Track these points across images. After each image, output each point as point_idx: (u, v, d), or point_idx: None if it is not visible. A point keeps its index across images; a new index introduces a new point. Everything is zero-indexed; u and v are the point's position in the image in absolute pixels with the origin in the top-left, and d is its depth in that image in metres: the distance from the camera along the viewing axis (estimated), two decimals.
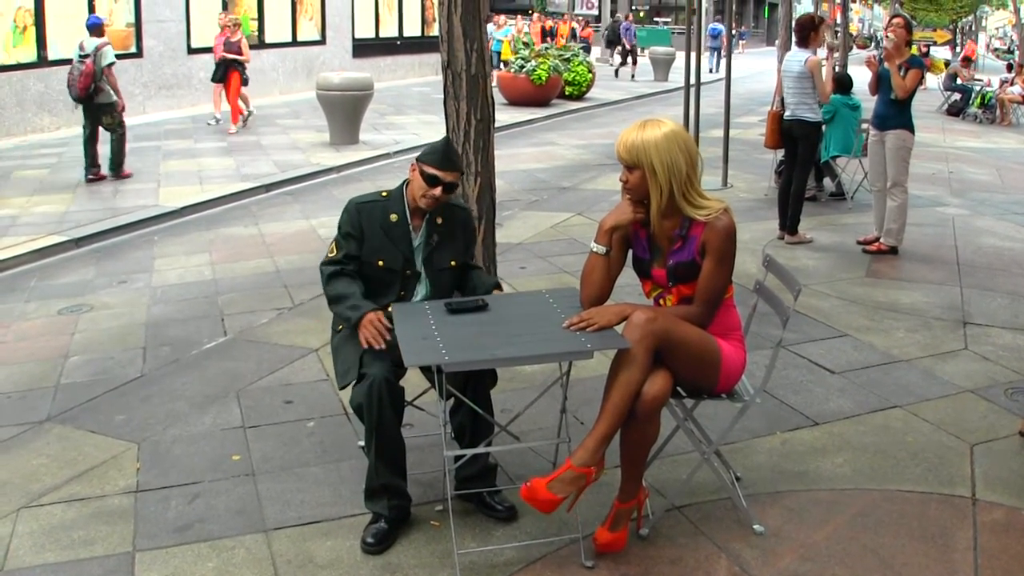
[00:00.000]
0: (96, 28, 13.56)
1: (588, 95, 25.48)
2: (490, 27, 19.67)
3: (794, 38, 10.23)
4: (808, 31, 9.78)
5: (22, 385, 6.43)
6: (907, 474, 4.97)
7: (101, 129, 13.31)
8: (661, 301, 4.29)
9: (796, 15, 14.94)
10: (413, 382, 4.43)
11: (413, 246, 4.63)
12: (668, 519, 4.47)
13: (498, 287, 4.75)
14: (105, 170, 13.45)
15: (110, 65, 13.15)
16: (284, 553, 4.27)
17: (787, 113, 9.89)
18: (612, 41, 44.26)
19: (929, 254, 9.59)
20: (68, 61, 18.06)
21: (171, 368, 6.63)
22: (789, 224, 9.89)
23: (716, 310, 4.18)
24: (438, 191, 4.50)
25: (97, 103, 13.14)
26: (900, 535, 4.38)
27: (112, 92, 13.21)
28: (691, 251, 4.13)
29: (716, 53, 37.56)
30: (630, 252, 4.40)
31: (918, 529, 4.44)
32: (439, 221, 4.66)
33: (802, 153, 9.89)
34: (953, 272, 8.88)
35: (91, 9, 19.02)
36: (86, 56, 12.99)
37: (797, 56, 9.77)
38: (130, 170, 13.75)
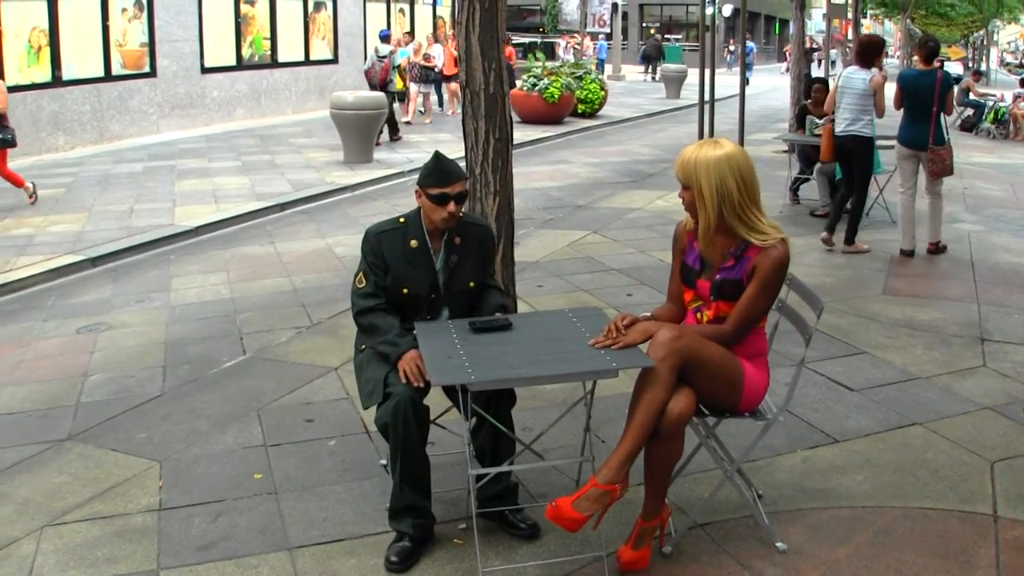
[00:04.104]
0: (387, 38, 20.45)
1: (601, 112, 25.55)
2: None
3: (852, 56, 10.82)
4: (874, 53, 10.20)
5: (42, 404, 6.46)
6: (928, 491, 4.96)
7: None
8: (698, 315, 4.31)
9: (808, 32, 14.99)
10: (434, 401, 4.44)
11: (436, 269, 4.63)
12: (691, 537, 4.47)
13: (504, 308, 4.74)
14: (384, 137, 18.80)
15: (398, 65, 19.89)
16: (308, 571, 4.28)
17: (840, 128, 10.08)
18: (648, 57, 45.06)
19: (945, 270, 9.60)
20: (82, 81, 18.50)
21: (191, 387, 6.65)
22: (847, 235, 10.25)
23: (747, 334, 4.21)
24: (451, 207, 4.49)
25: (388, 91, 18.89)
26: (922, 553, 4.38)
27: (398, 82, 19.82)
28: (741, 271, 4.17)
29: (748, 68, 38.42)
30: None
31: (940, 547, 4.43)
32: (457, 241, 4.65)
33: (858, 167, 10.12)
34: (970, 289, 8.87)
35: (104, 30, 19.22)
36: (383, 57, 19.24)
37: (859, 74, 9.98)
38: (401, 134, 19.76)
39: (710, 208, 4.12)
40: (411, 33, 25.52)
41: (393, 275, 4.56)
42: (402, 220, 4.66)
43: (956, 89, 28.01)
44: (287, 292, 9.08)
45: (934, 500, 4.87)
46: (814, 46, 30.62)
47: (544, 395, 6.09)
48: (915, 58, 10.35)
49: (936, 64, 9.76)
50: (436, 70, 23.34)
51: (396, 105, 20.23)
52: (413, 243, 4.59)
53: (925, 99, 9.67)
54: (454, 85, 23.19)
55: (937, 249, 10.20)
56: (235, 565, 4.36)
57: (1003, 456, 5.37)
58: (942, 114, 9.81)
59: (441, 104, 25.14)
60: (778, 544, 4.39)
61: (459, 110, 23.16)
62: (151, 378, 6.87)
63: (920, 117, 9.76)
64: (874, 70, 10.07)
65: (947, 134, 9.97)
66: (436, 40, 24.90)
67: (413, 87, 22.98)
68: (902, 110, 10.01)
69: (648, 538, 4.21)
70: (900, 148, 10.06)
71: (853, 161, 10.12)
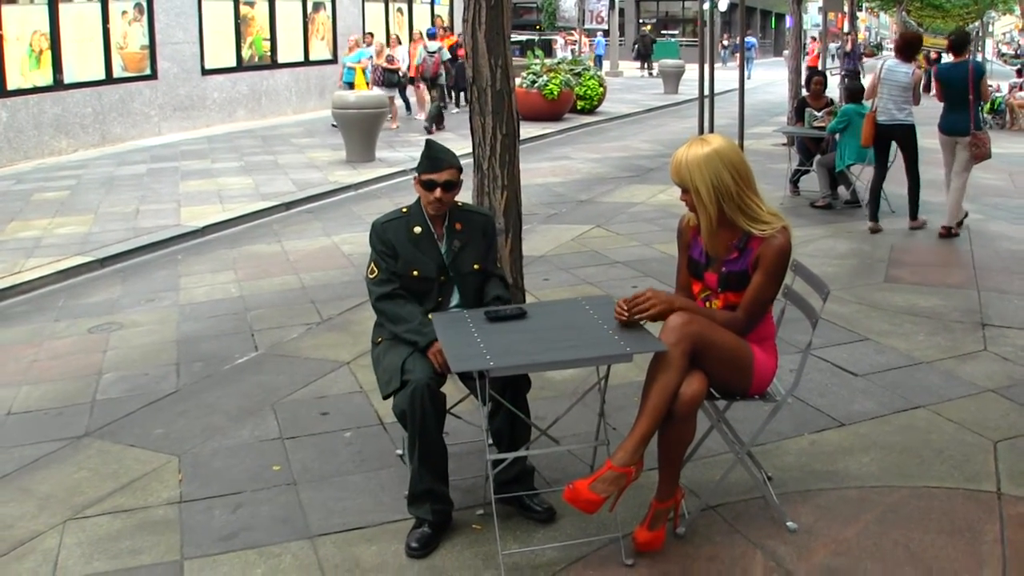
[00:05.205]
0: (434, 35, 22.78)
1: (600, 109, 25.64)
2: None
3: (895, 50, 11.32)
4: (915, 49, 11.15)
5: (58, 402, 6.54)
6: (933, 471, 5.05)
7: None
8: (707, 303, 4.41)
9: (805, 26, 15.13)
10: (448, 390, 4.52)
11: (441, 253, 4.77)
12: (704, 518, 4.56)
13: (499, 300, 4.81)
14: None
15: (445, 60, 21.95)
16: (331, 558, 4.37)
17: (885, 117, 10.66)
18: (642, 55, 45.39)
19: (946, 259, 9.70)
20: (83, 84, 18.61)
21: (205, 383, 6.74)
22: (910, 212, 10.98)
23: (758, 321, 4.31)
24: (438, 193, 4.65)
25: (438, 83, 21.68)
26: (929, 530, 4.46)
27: (444, 75, 21.86)
28: (745, 263, 4.26)
29: (750, 63, 39.13)
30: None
31: (946, 523, 4.52)
32: (458, 227, 4.80)
33: (908, 152, 10.78)
34: (970, 276, 8.97)
35: (105, 33, 19.34)
36: (433, 52, 21.54)
37: (902, 68, 10.68)
38: (444, 126, 21.00)
39: (709, 205, 4.20)
40: (371, 34, 24.94)
41: (402, 259, 4.70)
42: (404, 210, 4.85)
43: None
44: (296, 289, 9.17)
45: (939, 479, 4.96)
46: (860, 48, 30.61)
47: (556, 385, 6.18)
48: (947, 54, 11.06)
49: (922, 58, 10.42)
50: (401, 73, 22.19)
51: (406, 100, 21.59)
52: (417, 229, 4.74)
53: (959, 89, 10.34)
54: (423, 87, 22.45)
55: (949, 233, 10.55)
56: (258, 554, 4.44)
57: (1005, 436, 5.46)
58: (980, 101, 10.47)
59: (408, 108, 24.02)
60: (788, 524, 4.48)
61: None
62: (165, 375, 6.95)
63: (957, 106, 10.42)
64: (913, 65, 10.75)
65: (983, 121, 10.41)
66: (399, 42, 24.04)
67: (376, 91, 20.17)
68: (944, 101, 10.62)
69: (663, 519, 4.30)
70: (941, 136, 10.76)
71: (902, 146, 10.73)
